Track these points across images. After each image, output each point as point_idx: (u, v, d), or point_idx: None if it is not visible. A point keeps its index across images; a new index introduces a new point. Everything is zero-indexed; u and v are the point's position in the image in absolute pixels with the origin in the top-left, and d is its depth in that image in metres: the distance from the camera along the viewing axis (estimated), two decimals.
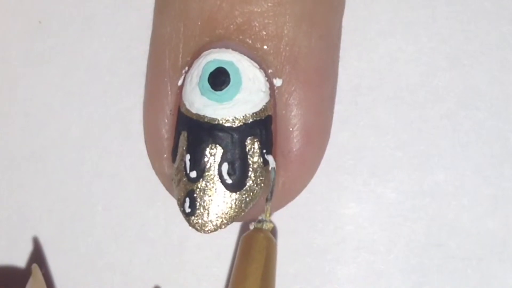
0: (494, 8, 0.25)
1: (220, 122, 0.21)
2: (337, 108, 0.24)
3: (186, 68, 0.22)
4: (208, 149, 0.21)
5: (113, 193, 0.25)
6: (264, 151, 0.21)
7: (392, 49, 0.25)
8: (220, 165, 0.21)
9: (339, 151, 0.24)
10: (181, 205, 0.22)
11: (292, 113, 0.22)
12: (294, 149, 0.22)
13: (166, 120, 0.22)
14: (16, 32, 0.26)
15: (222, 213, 0.21)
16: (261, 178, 0.22)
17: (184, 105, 0.22)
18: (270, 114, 0.22)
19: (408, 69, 0.25)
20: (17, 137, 0.25)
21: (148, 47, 0.25)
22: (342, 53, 0.24)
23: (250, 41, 0.22)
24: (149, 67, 0.24)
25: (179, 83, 0.22)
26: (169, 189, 0.23)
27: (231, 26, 0.22)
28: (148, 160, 0.25)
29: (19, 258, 0.25)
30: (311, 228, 0.24)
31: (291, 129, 0.22)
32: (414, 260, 0.24)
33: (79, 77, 0.25)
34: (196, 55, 0.22)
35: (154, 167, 0.23)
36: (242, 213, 0.22)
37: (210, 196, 0.21)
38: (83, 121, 0.25)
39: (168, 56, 0.22)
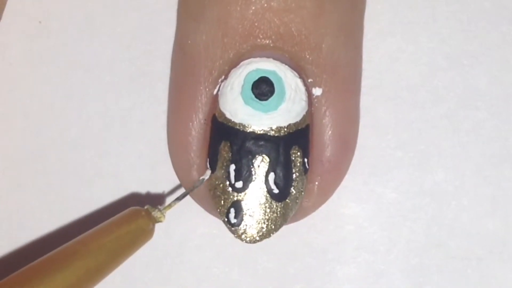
0: (494, 8, 0.25)
1: (267, 132, 0.21)
2: None
3: (223, 77, 0.22)
4: (254, 160, 0.21)
5: (113, 193, 0.25)
6: (306, 159, 0.22)
7: (392, 49, 0.25)
8: (267, 175, 0.21)
9: None
10: (225, 215, 0.21)
11: (331, 122, 0.22)
12: (332, 157, 0.22)
13: (198, 129, 0.22)
14: (16, 32, 0.26)
15: (269, 223, 0.21)
16: (302, 186, 0.22)
17: (223, 114, 0.21)
18: (308, 123, 0.22)
19: (408, 69, 0.25)
20: (17, 137, 0.25)
21: (148, 47, 0.25)
22: None
23: (291, 51, 0.22)
24: (178, 75, 0.23)
25: (215, 92, 0.22)
26: (198, 198, 0.23)
27: (273, 36, 0.21)
28: (148, 160, 0.25)
29: (19, 258, 0.25)
30: (311, 228, 0.24)
31: (330, 137, 0.22)
32: (414, 260, 0.24)
33: (79, 77, 0.25)
34: (234, 64, 0.22)
35: (181, 177, 0.23)
36: (286, 221, 0.22)
37: (257, 206, 0.21)
38: (83, 121, 0.25)
39: (204, 64, 0.22)
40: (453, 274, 0.24)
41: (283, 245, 0.24)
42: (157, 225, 0.22)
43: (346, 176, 0.24)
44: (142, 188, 0.25)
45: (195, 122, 0.22)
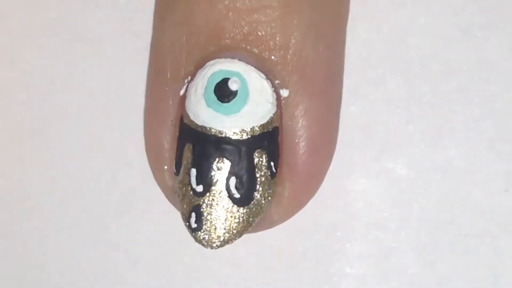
0: None
1: (228, 135, 0.21)
2: (346, 81, 0.23)
3: (189, 77, 0.21)
4: (215, 163, 0.21)
5: (116, 167, 0.25)
6: (272, 163, 0.21)
7: (403, 20, 0.24)
8: (227, 179, 0.21)
9: (348, 126, 0.24)
10: (187, 219, 0.21)
11: (299, 125, 0.21)
12: (299, 161, 0.21)
13: (168, 131, 0.22)
14: (17, 4, 0.25)
15: (230, 228, 0.21)
16: (268, 191, 0.21)
17: (188, 116, 0.21)
18: (277, 125, 0.21)
19: (419, 41, 0.24)
20: (18, 111, 0.25)
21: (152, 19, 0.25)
22: (351, 23, 0.23)
23: (257, 51, 0.21)
24: (149, 75, 0.23)
25: (181, 93, 0.21)
26: (170, 199, 0.23)
27: (238, 36, 0.21)
28: None
29: (21, 234, 0.25)
30: (320, 205, 0.24)
31: (297, 140, 0.21)
32: (426, 238, 0.24)
33: (82, 50, 0.25)
34: (200, 65, 0.21)
35: (155, 177, 0.23)
36: (250, 228, 0.21)
37: (217, 211, 0.21)
38: (86, 95, 0.25)
39: (170, 65, 0.22)
40: (466, 252, 0.24)
41: (291, 222, 0.24)
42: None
43: (356, 152, 0.24)
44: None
45: (161, 124, 0.22)
